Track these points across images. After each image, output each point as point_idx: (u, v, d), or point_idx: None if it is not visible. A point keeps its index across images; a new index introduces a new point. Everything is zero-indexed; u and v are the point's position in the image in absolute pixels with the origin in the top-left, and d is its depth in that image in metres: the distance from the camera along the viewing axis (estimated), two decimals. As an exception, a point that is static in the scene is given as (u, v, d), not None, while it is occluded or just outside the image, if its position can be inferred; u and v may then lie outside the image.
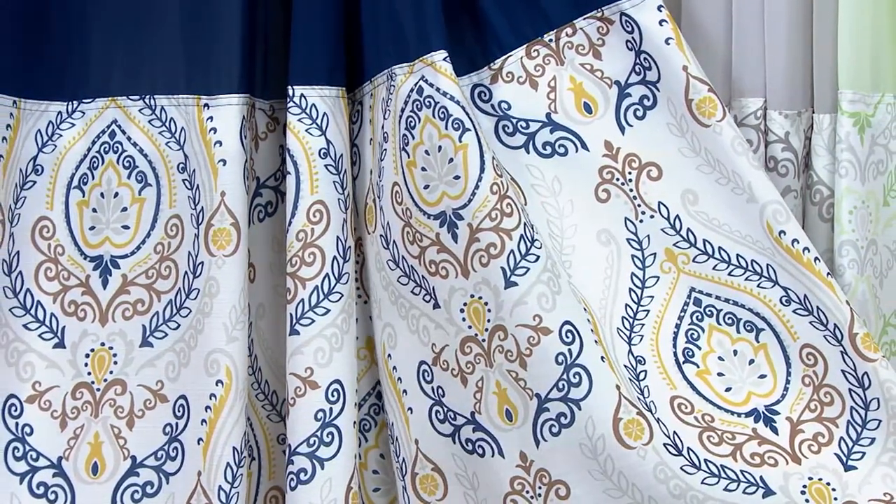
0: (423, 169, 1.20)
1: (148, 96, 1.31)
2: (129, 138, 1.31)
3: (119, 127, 1.32)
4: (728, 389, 1.19)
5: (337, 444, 1.22)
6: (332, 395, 1.22)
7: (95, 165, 1.32)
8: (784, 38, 1.29)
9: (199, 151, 1.28)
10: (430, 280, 1.20)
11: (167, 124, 1.30)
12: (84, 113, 1.33)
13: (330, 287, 1.24)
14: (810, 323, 1.17)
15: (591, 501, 1.14)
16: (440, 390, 1.21)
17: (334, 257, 1.24)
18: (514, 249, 1.15)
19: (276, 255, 1.34)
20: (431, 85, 1.20)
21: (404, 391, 1.24)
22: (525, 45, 1.28)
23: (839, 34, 1.28)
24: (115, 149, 1.31)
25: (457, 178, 1.17)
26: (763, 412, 1.17)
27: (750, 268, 1.20)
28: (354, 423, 1.24)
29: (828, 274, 1.16)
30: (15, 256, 1.31)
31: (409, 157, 1.21)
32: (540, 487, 1.16)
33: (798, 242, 1.17)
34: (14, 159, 1.33)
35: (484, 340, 1.17)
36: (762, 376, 1.19)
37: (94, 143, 1.32)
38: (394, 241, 1.23)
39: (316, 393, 1.22)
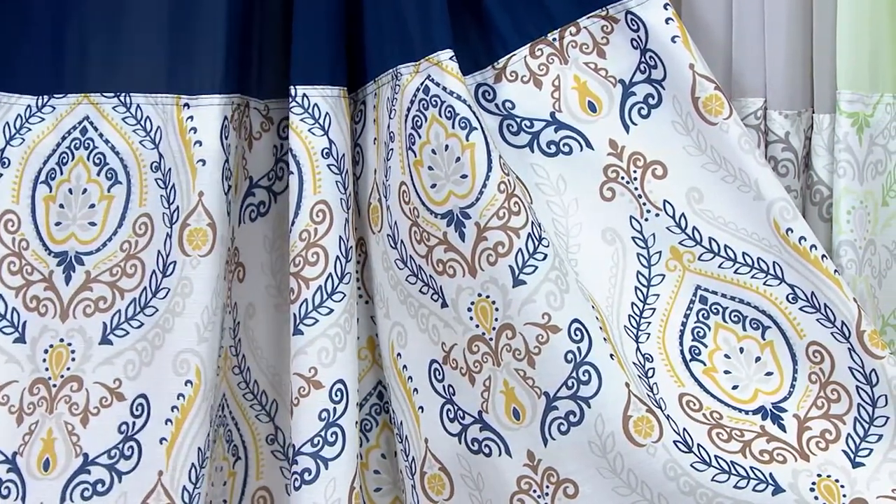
0: (430, 168, 1.19)
1: (123, 94, 1.30)
2: (101, 135, 1.30)
3: (91, 123, 1.31)
4: (735, 387, 1.19)
5: (341, 444, 1.21)
6: (336, 395, 1.22)
7: (65, 161, 1.31)
8: (784, 38, 1.29)
9: (176, 151, 1.27)
10: (438, 279, 1.20)
11: (142, 122, 1.30)
12: (54, 108, 1.32)
13: (333, 287, 1.23)
14: (817, 320, 1.17)
15: (599, 499, 1.14)
16: (451, 389, 1.21)
17: (337, 257, 1.24)
18: (523, 248, 1.15)
19: (268, 255, 1.34)
20: (438, 84, 1.20)
21: (415, 390, 1.24)
22: (529, 45, 1.28)
23: (838, 34, 1.28)
24: (87, 145, 1.30)
25: (464, 176, 1.17)
26: (770, 409, 1.17)
27: (756, 265, 1.20)
28: (356, 422, 1.23)
29: (835, 271, 1.17)
30: None
31: (415, 156, 1.21)
32: (547, 486, 1.16)
33: (805, 240, 1.17)
34: None
35: (491, 339, 1.17)
36: (769, 374, 1.19)
37: (63, 138, 1.31)
38: (401, 241, 1.23)
39: (320, 393, 1.21)
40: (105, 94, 1.31)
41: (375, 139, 1.28)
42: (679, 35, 1.21)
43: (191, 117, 1.27)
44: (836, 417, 1.16)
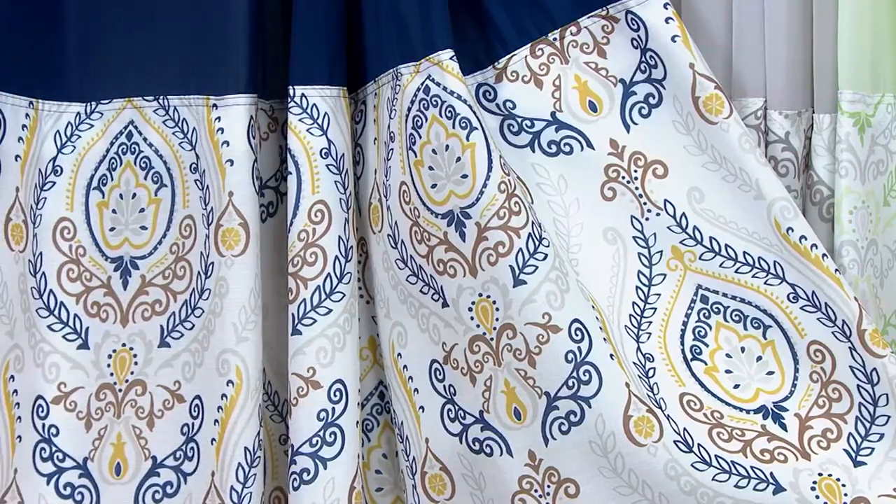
0: (431, 168, 1.19)
1: (161, 97, 1.32)
2: (145, 139, 1.32)
3: (136, 128, 1.32)
4: (736, 386, 1.19)
5: (340, 444, 1.22)
6: (335, 395, 1.22)
7: (114, 166, 1.32)
8: (784, 38, 1.29)
9: (208, 152, 1.28)
10: (439, 279, 1.19)
11: (180, 125, 1.31)
12: (102, 114, 1.33)
13: (332, 287, 1.24)
14: (818, 319, 1.17)
15: (600, 499, 1.14)
16: (452, 388, 1.21)
17: (336, 257, 1.24)
18: (523, 248, 1.15)
19: (277, 255, 1.34)
20: (438, 84, 1.20)
21: (415, 390, 1.24)
22: (529, 44, 1.28)
23: (839, 34, 1.28)
24: (133, 150, 1.32)
25: (464, 176, 1.17)
26: (771, 409, 1.17)
27: (756, 265, 1.20)
28: (357, 422, 1.24)
29: (836, 270, 1.16)
30: (39, 257, 1.31)
31: (416, 156, 1.20)
32: (549, 486, 1.15)
33: (806, 239, 1.17)
34: (32, 160, 1.33)
35: (492, 339, 1.16)
36: (770, 373, 1.19)
37: (112, 143, 1.33)
38: (402, 241, 1.23)
39: (318, 393, 1.22)
40: (146, 97, 1.32)
41: (376, 139, 1.28)
42: (679, 34, 1.21)
43: (218, 118, 1.27)
44: (837, 416, 1.16)
